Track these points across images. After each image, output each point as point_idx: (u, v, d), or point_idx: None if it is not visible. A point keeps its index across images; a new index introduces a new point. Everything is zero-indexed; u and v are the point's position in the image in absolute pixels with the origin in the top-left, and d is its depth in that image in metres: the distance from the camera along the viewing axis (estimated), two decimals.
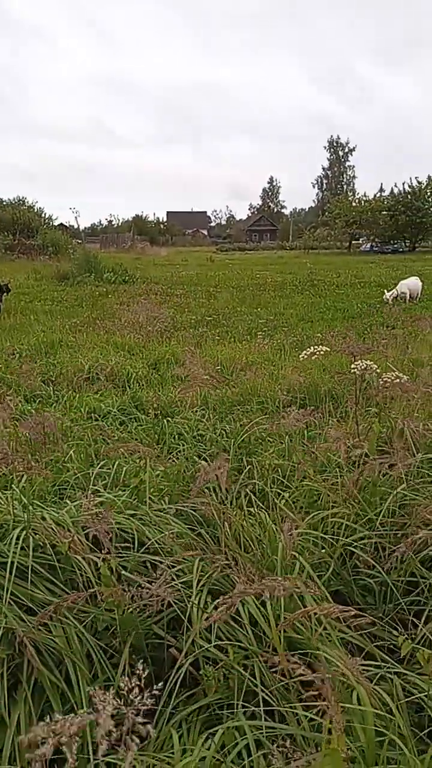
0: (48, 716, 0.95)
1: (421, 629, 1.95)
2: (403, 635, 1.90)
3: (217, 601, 1.55)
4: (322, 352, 3.10)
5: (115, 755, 1.54)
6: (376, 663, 1.76)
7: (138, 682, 1.07)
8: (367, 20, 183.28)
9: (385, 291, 14.51)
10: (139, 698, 1.05)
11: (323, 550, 2.39)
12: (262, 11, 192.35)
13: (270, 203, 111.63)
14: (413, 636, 1.96)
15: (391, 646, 2.01)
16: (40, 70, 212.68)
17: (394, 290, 14.21)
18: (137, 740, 1.01)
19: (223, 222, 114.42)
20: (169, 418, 4.38)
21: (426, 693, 1.66)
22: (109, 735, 0.97)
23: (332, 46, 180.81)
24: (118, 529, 2.30)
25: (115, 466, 2.99)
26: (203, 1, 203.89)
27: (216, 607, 1.96)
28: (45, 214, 47.90)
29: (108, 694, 1.02)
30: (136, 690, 1.06)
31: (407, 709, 1.66)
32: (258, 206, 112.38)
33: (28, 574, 1.97)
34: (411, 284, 14.53)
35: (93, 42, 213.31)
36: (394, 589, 2.21)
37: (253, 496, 2.79)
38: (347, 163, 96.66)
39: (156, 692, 1.09)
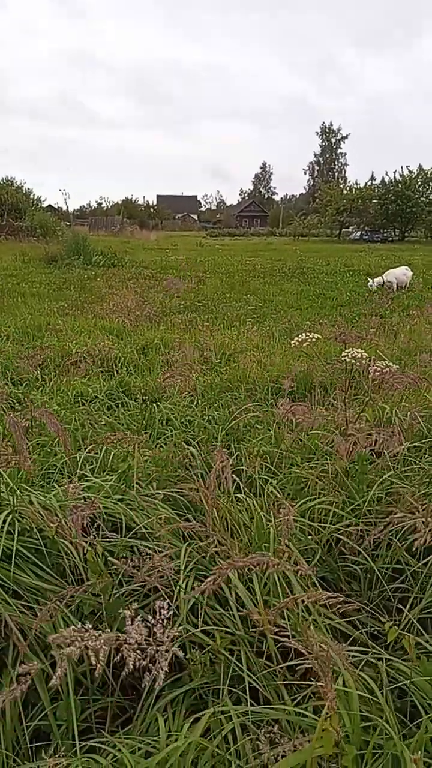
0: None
1: (406, 615, 1.96)
2: (389, 621, 1.92)
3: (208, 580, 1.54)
4: (313, 340, 3.08)
5: (100, 738, 1.55)
6: (362, 649, 1.78)
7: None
8: (353, 5, 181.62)
9: (369, 278, 14.55)
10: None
11: (310, 537, 2.40)
12: None
13: (261, 189, 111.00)
14: (398, 622, 1.98)
15: (376, 632, 2.02)
16: (9, 47, 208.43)
17: (379, 278, 14.25)
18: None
19: (213, 207, 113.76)
20: (157, 404, 4.36)
21: (410, 678, 1.67)
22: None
23: (321, 32, 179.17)
24: (105, 514, 2.29)
25: (102, 452, 2.97)
26: None
27: (203, 593, 1.96)
28: (33, 195, 47.20)
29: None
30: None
31: (391, 695, 1.68)
32: (249, 191, 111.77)
33: (14, 558, 1.95)
34: (398, 274, 14.57)
35: (66, 21, 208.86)
36: (379, 575, 2.22)
37: (241, 483, 2.79)
38: (339, 151, 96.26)
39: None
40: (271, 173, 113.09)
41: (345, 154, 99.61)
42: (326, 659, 1.28)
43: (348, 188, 55.74)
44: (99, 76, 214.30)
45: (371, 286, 13.87)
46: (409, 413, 3.43)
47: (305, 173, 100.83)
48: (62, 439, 2.70)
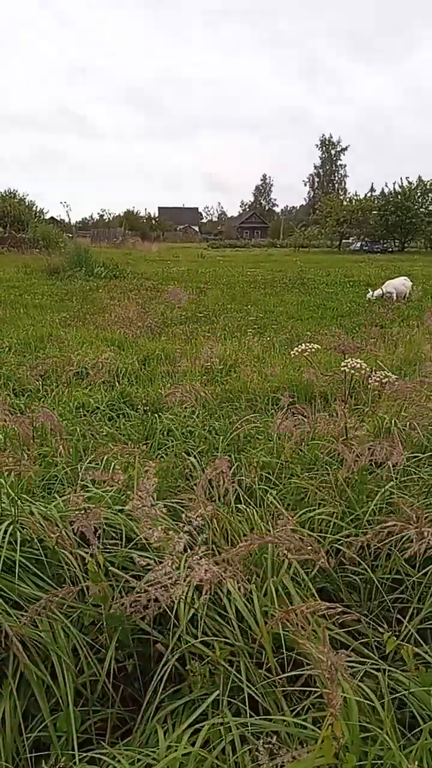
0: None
1: (406, 626, 1.96)
2: (388, 632, 1.92)
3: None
4: (312, 350, 3.10)
5: (99, 750, 1.55)
6: (361, 659, 1.78)
7: None
8: (352, 13, 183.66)
9: (369, 289, 14.62)
10: None
11: (309, 548, 2.40)
12: (240, 5, 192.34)
13: (262, 200, 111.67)
14: (397, 633, 1.98)
15: (376, 643, 2.02)
16: (6, 57, 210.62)
17: (379, 289, 14.31)
18: None
19: (215, 218, 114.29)
20: (159, 414, 4.38)
21: (409, 689, 1.67)
22: None
23: (320, 40, 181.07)
24: (105, 524, 2.29)
25: (103, 462, 2.98)
26: None
27: (203, 604, 1.96)
28: (36, 208, 47.55)
29: None
30: None
31: (391, 706, 1.68)
32: (249, 203, 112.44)
33: (15, 569, 1.96)
34: (397, 284, 14.60)
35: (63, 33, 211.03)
36: (379, 586, 2.22)
37: (241, 493, 2.79)
38: (339, 162, 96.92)
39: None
40: (272, 185, 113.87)
41: (345, 165, 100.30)
42: (333, 665, 1.28)
43: (348, 200, 56.08)
44: (97, 86, 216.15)
45: (370, 296, 13.92)
46: (408, 423, 3.44)
47: (305, 185, 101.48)
48: (57, 430, 2.71)
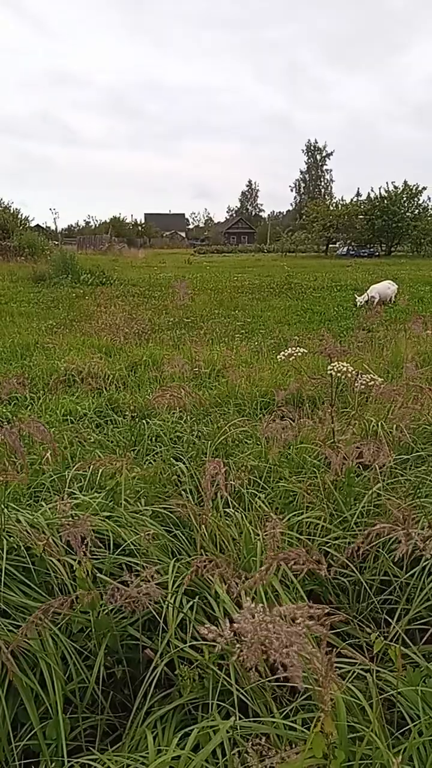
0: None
1: (394, 627, 1.98)
2: (376, 633, 1.93)
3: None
4: (299, 354, 3.12)
5: (89, 756, 1.54)
6: (350, 660, 1.78)
7: None
8: (336, 20, 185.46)
9: (356, 295, 14.73)
10: None
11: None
12: (222, 14, 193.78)
13: (248, 206, 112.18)
14: (386, 634, 1.99)
15: (364, 645, 2.03)
16: None
17: (365, 294, 14.42)
18: None
19: (201, 224, 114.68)
20: (146, 420, 4.37)
21: (398, 689, 1.69)
22: None
23: (303, 48, 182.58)
24: (93, 531, 2.29)
25: (90, 469, 2.97)
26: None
27: (191, 608, 1.97)
28: (21, 215, 47.35)
29: None
30: None
31: (380, 706, 1.69)
32: (236, 208, 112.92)
33: (1, 577, 1.95)
34: (380, 288, 14.71)
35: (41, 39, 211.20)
36: (367, 588, 2.24)
37: (229, 498, 2.80)
38: (325, 167, 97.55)
39: None
40: (258, 190, 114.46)
41: (331, 170, 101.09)
42: (325, 663, 1.28)
43: (334, 204, 56.43)
44: (82, 94, 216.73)
45: (358, 301, 14.02)
46: (395, 426, 3.46)
47: (292, 190, 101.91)
48: (52, 446, 2.71)
